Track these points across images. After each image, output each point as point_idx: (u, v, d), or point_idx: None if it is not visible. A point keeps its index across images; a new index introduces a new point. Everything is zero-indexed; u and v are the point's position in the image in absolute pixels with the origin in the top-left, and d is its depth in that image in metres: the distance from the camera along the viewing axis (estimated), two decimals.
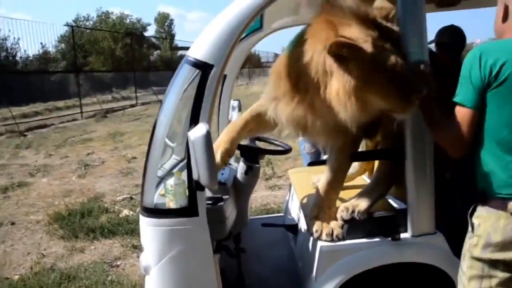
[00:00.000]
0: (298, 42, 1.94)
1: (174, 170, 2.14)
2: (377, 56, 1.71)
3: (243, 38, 2.98)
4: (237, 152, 2.47)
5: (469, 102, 1.73)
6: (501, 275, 1.75)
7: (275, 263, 2.87)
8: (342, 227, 2.16)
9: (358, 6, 1.80)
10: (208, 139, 1.74)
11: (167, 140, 2.19)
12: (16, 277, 3.87)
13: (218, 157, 2.08)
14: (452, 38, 3.07)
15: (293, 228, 2.83)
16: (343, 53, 1.69)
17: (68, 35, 20.17)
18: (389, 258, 2.13)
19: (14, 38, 20.99)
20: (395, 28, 1.86)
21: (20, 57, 22.42)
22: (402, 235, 2.14)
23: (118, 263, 4.09)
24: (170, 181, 2.01)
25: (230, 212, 2.26)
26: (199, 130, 1.74)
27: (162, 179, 2.13)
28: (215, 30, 1.91)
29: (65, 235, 4.73)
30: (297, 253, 2.72)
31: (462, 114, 1.75)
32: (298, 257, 2.68)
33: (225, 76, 3.28)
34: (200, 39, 1.95)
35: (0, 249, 4.55)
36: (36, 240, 4.74)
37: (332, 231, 2.15)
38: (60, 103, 19.45)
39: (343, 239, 2.15)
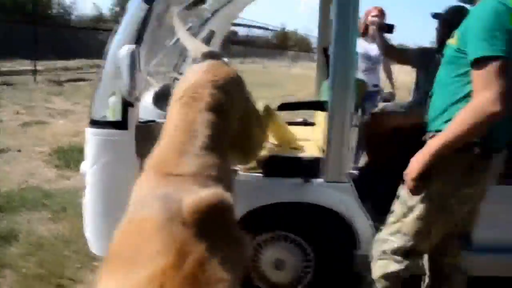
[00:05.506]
0: None
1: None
2: None
3: None
4: None
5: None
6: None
7: None
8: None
9: None
10: (132, 57, 2.00)
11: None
12: (4, 189, 4.30)
13: None
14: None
15: None
16: None
17: None
18: (293, 196, 2.36)
19: None
20: None
21: (76, 15, 23.63)
22: (316, 180, 2.33)
23: None
24: (112, 98, 2.29)
25: None
26: (125, 48, 2.02)
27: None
28: None
29: (60, 165, 5.15)
30: None
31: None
32: None
33: (213, 32, 3.52)
34: None
35: (1, 170, 5.00)
36: (33, 166, 5.19)
37: None
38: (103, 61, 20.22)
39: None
